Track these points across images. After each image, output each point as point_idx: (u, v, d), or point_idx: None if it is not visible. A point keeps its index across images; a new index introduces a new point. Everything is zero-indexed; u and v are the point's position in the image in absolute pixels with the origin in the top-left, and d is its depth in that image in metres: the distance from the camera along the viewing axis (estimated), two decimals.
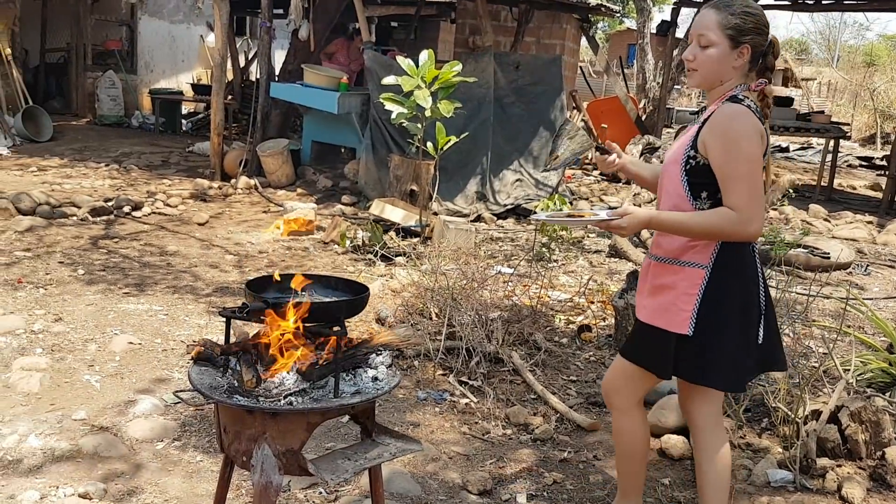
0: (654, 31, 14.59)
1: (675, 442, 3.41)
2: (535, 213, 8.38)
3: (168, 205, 7.83)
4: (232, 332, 2.40)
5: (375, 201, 7.34)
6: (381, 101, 6.47)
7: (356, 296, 2.27)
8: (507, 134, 8.79)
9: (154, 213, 7.55)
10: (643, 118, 12.97)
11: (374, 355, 2.32)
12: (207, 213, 7.59)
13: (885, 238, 8.28)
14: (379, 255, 6.26)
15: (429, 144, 6.67)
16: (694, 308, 2.42)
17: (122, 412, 3.62)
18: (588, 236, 7.55)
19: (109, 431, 3.44)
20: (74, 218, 6.98)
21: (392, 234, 6.85)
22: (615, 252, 6.83)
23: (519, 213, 8.41)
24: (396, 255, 6.31)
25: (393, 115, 6.31)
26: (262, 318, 2.11)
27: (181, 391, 2.17)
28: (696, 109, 17.49)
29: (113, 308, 4.91)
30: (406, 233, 6.98)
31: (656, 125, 12.64)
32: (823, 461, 3.24)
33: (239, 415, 2.10)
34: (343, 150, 10.03)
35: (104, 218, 7.13)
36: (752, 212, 2.31)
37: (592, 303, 5.48)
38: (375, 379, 2.25)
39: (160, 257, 6.16)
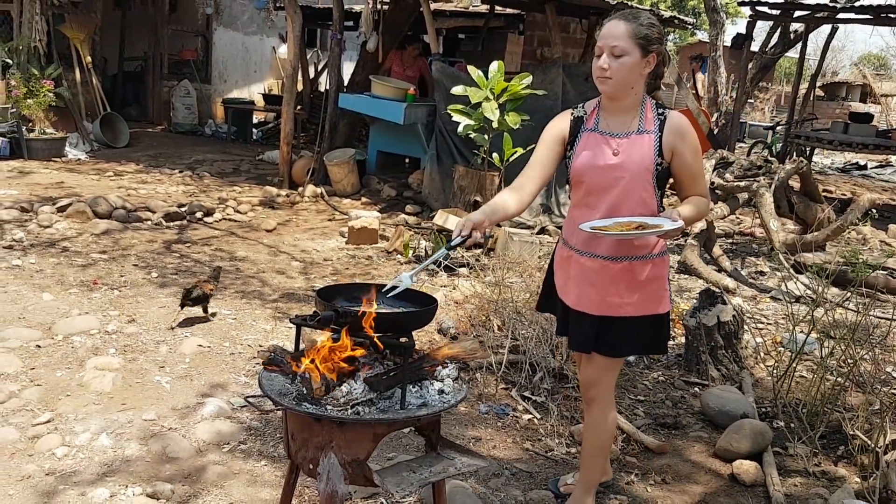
0: (727, 43, 14.30)
1: (747, 468, 3.30)
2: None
3: (238, 211, 7.99)
4: (301, 339, 2.41)
5: (439, 211, 7.34)
6: (449, 112, 6.48)
7: (424, 307, 2.26)
8: None
9: (225, 219, 7.71)
10: (716, 132, 12.71)
11: (440, 368, 2.30)
12: (275, 221, 7.72)
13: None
14: (443, 266, 6.25)
15: (494, 155, 6.65)
16: (668, 286, 2.81)
17: (190, 414, 3.69)
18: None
19: (177, 433, 3.50)
20: (149, 222, 7.17)
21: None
22: (684, 268, 6.68)
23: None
24: (459, 266, 6.30)
25: (460, 127, 6.31)
26: (331, 327, 2.11)
27: (251, 396, 2.19)
28: (771, 124, 17.05)
29: (184, 311, 5.01)
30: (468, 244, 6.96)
31: (729, 139, 12.37)
32: None
33: (307, 422, 2.10)
34: (407, 161, 10.09)
35: (177, 223, 7.31)
36: (709, 196, 2.83)
37: None
38: (442, 392, 2.23)
39: (230, 262, 6.27)
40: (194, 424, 3.59)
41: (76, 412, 3.58)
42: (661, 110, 2.69)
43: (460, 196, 7.73)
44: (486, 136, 6.42)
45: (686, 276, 6.70)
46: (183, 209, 7.61)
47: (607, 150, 2.65)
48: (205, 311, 4.87)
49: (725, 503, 3.18)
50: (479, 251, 6.73)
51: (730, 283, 6.36)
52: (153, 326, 4.70)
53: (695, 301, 4.75)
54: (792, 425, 3.81)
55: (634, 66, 2.59)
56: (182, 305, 4.75)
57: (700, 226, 7.05)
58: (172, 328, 4.70)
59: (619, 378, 4.36)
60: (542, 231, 7.97)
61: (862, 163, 16.50)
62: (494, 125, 6.25)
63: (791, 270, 6.44)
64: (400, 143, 9.51)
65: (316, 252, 6.81)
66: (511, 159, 6.61)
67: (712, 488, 3.29)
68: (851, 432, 3.40)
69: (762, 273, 7.04)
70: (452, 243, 2.49)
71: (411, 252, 6.60)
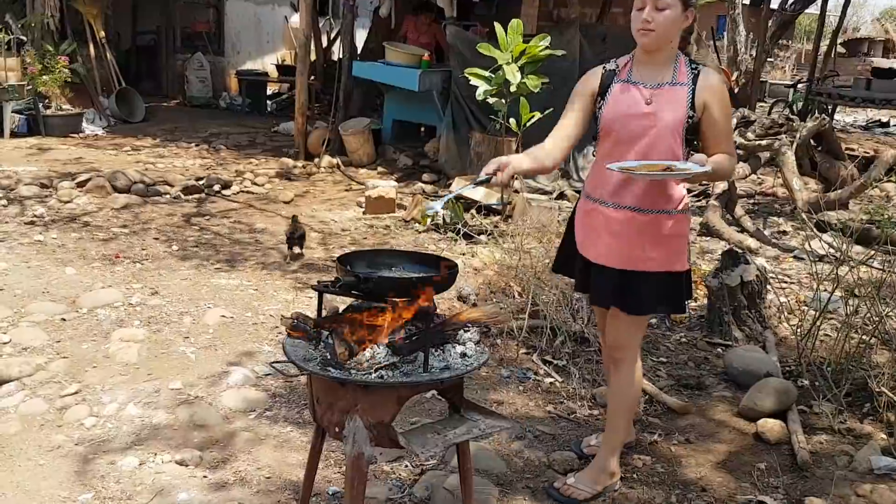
0: (746, 1, 14.03)
1: (772, 426, 3.29)
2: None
3: (255, 183, 7.99)
4: (323, 306, 2.41)
5: (456, 179, 7.31)
6: (466, 76, 6.41)
7: (449, 272, 2.25)
8: None
9: (242, 191, 7.72)
10: (736, 91, 12.53)
11: (462, 332, 2.30)
12: (292, 192, 7.72)
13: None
14: (462, 233, 6.24)
15: (511, 121, 6.59)
16: (689, 246, 2.84)
17: (215, 383, 3.72)
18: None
19: (204, 401, 3.54)
20: (168, 196, 7.20)
21: (473, 212, 6.81)
22: (707, 230, 6.62)
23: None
24: (478, 234, 6.28)
25: (478, 92, 6.25)
26: (354, 292, 2.11)
27: (277, 362, 2.20)
28: (792, 82, 16.77)
29: (206, 283, 5.05)
30: (487, 210, 6.94)
31: (750, 98, 12.18)
32: None
33: (332, 387, 2.12)
34: (422, 129, 10.03)
35: (196, 196, 7.33)
36: (735, 156, 2.79)
37: None
38: (464, 355, 2.23)
39: (249, 234, 6.29)
40: (221, 393, 3.63)
41: (103, 383, 3.62)
42: (694, 65, 2.72)
43: (477, 163, 7.68)
44: (504, 101, 6.36)
45: (708, 237, 6.65)
46: (201, 182, 7.63)
47: (640, 100, 2.68)
48: (301, 248, 5.77)
49: (750, 461, 3.17)
50: (497, 217, 6.70)
51: (752, 243, 6.31)
52: (176, 298, 4.74)
53: (717, 262, 4.71)
54: (816, 383, 3.80)
55: (676, 19, 2.62)
56: (290, 245, 5.70)
57: (722, 186, 6.99)
58: (287, 260, 5.61)
59: (643, 341, 4.36)
60: (561, 196, 7.93)
61: (884, 119, 16.23)
62: (513, 89, 6.18)
63: (814, 229, 6.37)
64: (415, 112, 9.45)
65: (334, 222, 6.81)
66: (528, 124, 6.55)
67: (737, 447, 3.29)
68: (878, 389, 3.37)
69: (785, 233, 6.97)
70: (479, 179, 2.56)
71: (429, 220, 6.59)
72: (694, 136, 2.74)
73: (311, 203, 7.47)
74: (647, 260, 2.74)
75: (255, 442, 3.26)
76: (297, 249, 5.73)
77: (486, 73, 6.23)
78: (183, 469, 3.02)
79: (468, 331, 2.30)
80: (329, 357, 2.12)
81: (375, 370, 2.07)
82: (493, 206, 6.90)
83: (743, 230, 6.74)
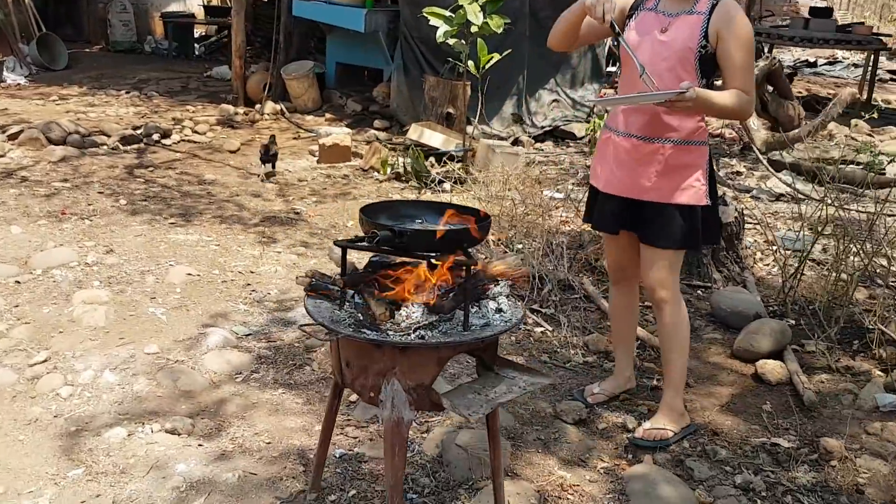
0: None
1: (772, 367, 3.30)
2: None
3: (196, 132, 7.61)
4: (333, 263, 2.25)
5: (413, 126, 7.09)
6: (424, 15, 6.16)
7: (480, 221, 2.10)
8: (543, 51, 8.40)
9: (183, 140, 7.34)
10: None
11: (492, 286, 2.17)
12: (238, 140, 7.37)
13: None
14: (428, 181, 6.07)
15: (470, 63, 6.39)
16: (706, 181, 2.73)
17: (193, 345, 3.52)
18: None
19: (185, 365, 3.34)
20: (105, 147, 6.77)
21: (433, 160, 6.63)
22: None
23: (557, 135, 8.16)
24: (441, 182, 6.12)
25: (439, 33, 6.01)
26: (389, 247, 1.95)
27: (306, 325, 2.03)
28: None
29: (162, 239, 4.77)
30: (445, 158, 6.75)
31: None
32: None
33: (365, 350, 1.97)
34: (367, 73, 9.70)
35: (135, 146, 6.92)
36: (753, 96, 2.68)
37: None
38: (499, 311, 2.11)
39: (199, 186, 5.98)
40: (201, 356, 3.43)
41: (73, 349, 3.37)
42: None
43: (432, 108, 7.46)
44: (464, 43, 6.14)
45: None
46: (139, 132, 7.20)
47: (657, 28, 2.69)
48: (274, 166, 6.22)
49: (754, 403, 3.18)
50: (458, 165, 6.54)
51: None
52: (134, 256, 4.46)
53: None
54: (802, 323, 3.83)
55: None
56: (263, 161, 6.18)
57: None
58: (262, 180, 6.06)
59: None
60: (516, 142, 7.81)
61: (812, 59, 16.56)
62: (474, 29, 5.96)
63: (770, 169, 6.44)
64: (360, 54, 9.12)
65: (288, 172, 6.54)
66: (487, 66, 6.37)
67: (738, 389, 3.29)
68: (871, 326, 3.41)
69: (738, 173, 7.03)
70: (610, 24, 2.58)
71: (389, 169, 6.38)
72: (713, 69, 2.69)
73: None
74: (651, 190, 2.73)
75: (248, 407, 3.09)
76: (269, 167, 6.14)
77: (447, 13, 5.98)
78: (176, 438, 2.84)
79: (498, 284, 2.18)
80: (362, 318, 1.97)
81: (414, 330, 1.93)
82: (453, 154, 6.73)
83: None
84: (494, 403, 1.96)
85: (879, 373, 3.31)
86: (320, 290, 2.09)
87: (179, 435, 2.86)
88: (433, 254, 1.96)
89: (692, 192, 2.70)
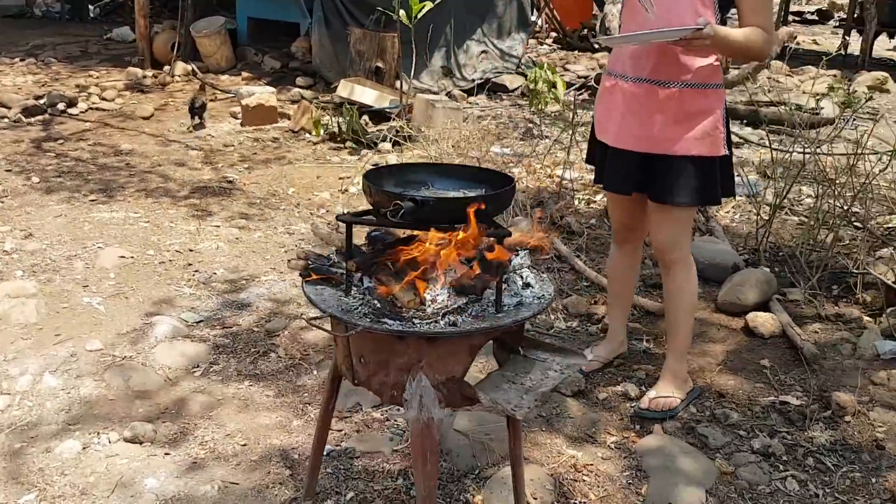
0: None
1: (763, 320, 3.18)
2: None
3: (104, 98, 7.02)
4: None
5: (342, 82, 6.70)
6: None
7: (504, 186, 1.83)
8: (469, 1, 8.13)
9: (92, 108, 6.75)
10: None
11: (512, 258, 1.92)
12: (151, 106, 6.82)
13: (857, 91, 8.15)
14: (367, 141, 5.72)
15: (402, 13, 6.03)
16: (724, 128, 2.51)
17: (140, 338, 3.15)
18: (569, 108, 7.09)
19: (135, 362, 2.98)
20: (6, 120, 6.15)
21: (365, 118, 6.27)
22: None
23: (489, 88, 7.90)
24: (380, 141, 5.78)
25: None
26: (416, 222, 1.66)
27: (314, 318, 1.74)
28: None
29: (85, 218, 4.31)
30: (379, 116, 6.39)
31: None
32: None
33: (385, 342, 1.70)
34: (282, 26, 9.15)
35: (39, 118, 6.31)
36: (772, 33, 2.49)
37: None
38: (528, 286, 1.87)
39: (116, 158, 5.48)
40: (151, 349, 3.07)
41: (4, 351, 2.96)
42: None
43: (359, 63, 7.08)
44: None
45: None
46: (42, 102, 6.58)
47: None
48: (202, 118, 6.15)
49: (751, 359, 3.06)
50: (394, 123, 6.20)
51: None
52: (56, 240, 4.00)
53: None
54: (776, 271, 3.74)
55: None
56: (192, 115, 6.12)
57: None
58: (190, 130, 6.04)
59: (590, 243, 4.15)
60: (449, 96, 7.50)
61: None
62: None
63: None
64: (273, 7, 8.59)
65: (211, 137, 6.08)
66: (419, 15, 6.02)
67: (732, 346, 3.16)
68: (856, 270, 3.34)
69: None
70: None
71: (323, 130, 6.00)
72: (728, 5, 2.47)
73: (177, 117, 6.62)
74: (668, 140, 2.48)
75: (213, 405, 2.77)
76: (197, 119, 6.11)
77: None
78: (138, 448, 2.50)
79: (518, 255, 1.93)
80: (379, 305, 1.69)
81: (443, 316, 1.66)
82: (387, 111, 6.38)
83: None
84: (538, 394, 1.73)
85: (868, 318, 3.24)
86: (320, 274, 1.79)
87: (141, 444, 2.53)
88: (457, 225, 1.69)
89: (710, 141, 2.47)
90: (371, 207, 1.79)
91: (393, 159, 5.29)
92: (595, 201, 4.76)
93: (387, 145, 5.69)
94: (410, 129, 5.59)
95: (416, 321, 1.66)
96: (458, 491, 2.37)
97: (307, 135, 6.11)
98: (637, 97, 2.48)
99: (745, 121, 6.69)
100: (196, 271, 3.79)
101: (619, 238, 2.86)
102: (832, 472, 2.42)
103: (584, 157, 2.96)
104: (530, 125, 6.44)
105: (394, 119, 6.20)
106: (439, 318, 1.66)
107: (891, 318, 3.09)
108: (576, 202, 4.71)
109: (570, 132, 4.73)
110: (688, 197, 2.51)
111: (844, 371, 2.89)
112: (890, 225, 3.94)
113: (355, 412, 2.75)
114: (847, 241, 3.88)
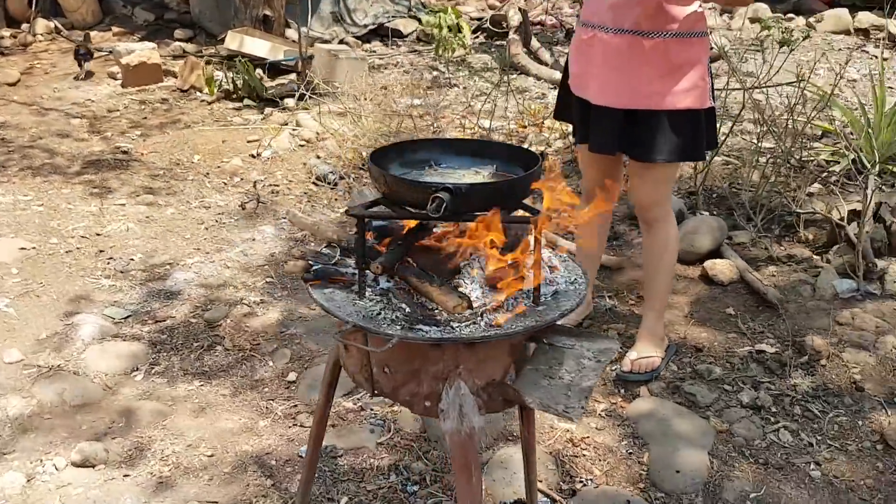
0: None
1: (721, 267, 3.16)
2: None
3: None
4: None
5: (229, 34, 6.21)
6: None
7: (530, 166, 1.63)
8: None
9: None
10: None
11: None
12: (15, 70, 6.11)
13: (737, 24, 8.30)
14: (267, 98, 5.34)
15: None
16: (709, 79, 2.41)
17: (64, 342, 2.81)
18: (472, 53, 6.89)
19: (65, 370, 2.65)
20: None
21: (260, 72, 5.85)
22: (514, 67, 6.30)
23: (382, 33, 7.56)
24: (282, 98, 5.41)
25: None
26: (456, 214, 1.45)
27: (340, 331, 1.51)
28: None
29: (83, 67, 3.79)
30: (274, 69, 5.98)
31: None
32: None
33: (417, 350, 1.51)
34: None
35: None
36: None
37: (525, 127, 5.01)
38: (553, 268, 1.71)
39: None
40: (80, 355, 2.74)
41: None
42: None
43: (245, 11, 6.58)
44: None
45: (515, 74, 6.35)
46: None
47: None
48: (87, 66, 5.93)
49: (715, 308, 3.04)
50: (293, 77, 5.83)
51: (560, 76, 6.13)
52: None
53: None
54: (715, 212, 3.75)
55: None
56: (79, 64, 5.90)
57: (519, 19, 6.68)
58: (77, 79, 5.80)
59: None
60: (342, 43, 7.13)
61: None
62: None
63: None
64: None
65: (91, 102, 5.52)
66: None
67: (693, 295, 3.14)
68: (799, 210, 3.38)
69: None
70: None
71: (217, 88, 5.55)
72: None
73: (47, 81, 5.97)
74: (654, 95, 2.35)
75: (164, 412, 2.50)
76: (86, 66, 5.91)
77: None
78: (92, 473, 2.22)
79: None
80: (409, 310, 1.49)
81: (481, 316, 1.49)
82: (283, 64, 5.99)
83: (542, 62, 6.54)
84: (585, 391, 1.57)
85: (816, 256, 3.29)
86: (328, 276, 1.57)
87: (94, 467, 2.24)
88: (484, 213, 1.50)
89: (696, 93, 2.35)
90: (381, 196, 1.57)
91: (305, 117, 4.95)
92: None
93: (291, 101, 5.33)
94: (317, 83, 5.25)
95: (455, 325, 1.47)
96: None
97: (198, 93, 5.65)
98: (619, 50, 2.33)
99: None
100: (110, 258, 3.42)
101: (590, 195, 2.72)
102: (820, 419, 2.44)
103: (553, 112, 2.80)
104: (435, 73, 6.20)
105: (294, 73, 5.83)
106: (479, 318, 1.49)
107: (838, 256, 3.14)
108: None
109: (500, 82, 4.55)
110: (673, 154, 2.40)
111: (809, 313, 2.92)
112: (816, 159, 4.02)
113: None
114: (773, 179, 3.92)
